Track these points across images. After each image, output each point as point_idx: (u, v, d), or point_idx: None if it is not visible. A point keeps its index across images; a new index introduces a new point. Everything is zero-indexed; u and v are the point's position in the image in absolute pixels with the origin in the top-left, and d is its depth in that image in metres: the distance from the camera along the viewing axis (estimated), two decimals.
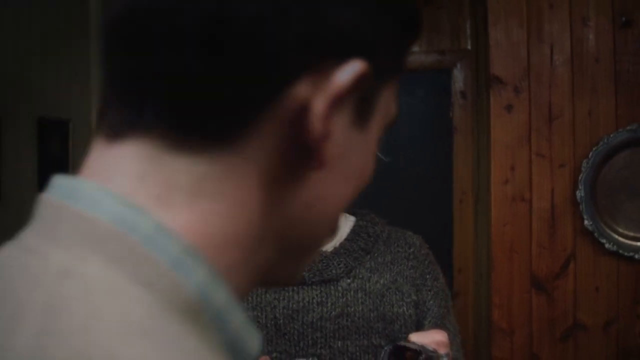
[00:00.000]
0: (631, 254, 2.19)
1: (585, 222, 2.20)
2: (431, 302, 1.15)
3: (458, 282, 2.84)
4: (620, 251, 2.19)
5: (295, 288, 1.07)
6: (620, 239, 2.21)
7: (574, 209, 2.22)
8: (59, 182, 0.37)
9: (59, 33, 3.42)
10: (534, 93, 2.22)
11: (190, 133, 0.35)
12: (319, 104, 0.35)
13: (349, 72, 0.36)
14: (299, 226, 0.40)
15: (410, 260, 1.17)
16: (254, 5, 0.34)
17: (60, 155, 3.36)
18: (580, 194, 2.20)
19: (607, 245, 2.19)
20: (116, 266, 0.33)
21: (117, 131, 0.36)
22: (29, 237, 0.36)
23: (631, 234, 2.21)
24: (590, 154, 2.19)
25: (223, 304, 0.36)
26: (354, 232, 1.13)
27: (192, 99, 0.35)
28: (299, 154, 0.37)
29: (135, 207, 0.34)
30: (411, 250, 1.19)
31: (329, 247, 1.10)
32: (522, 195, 2.24)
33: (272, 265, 0.40)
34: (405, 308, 1.12)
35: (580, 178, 2.20)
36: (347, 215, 1.16)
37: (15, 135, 3.06)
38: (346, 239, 1.12)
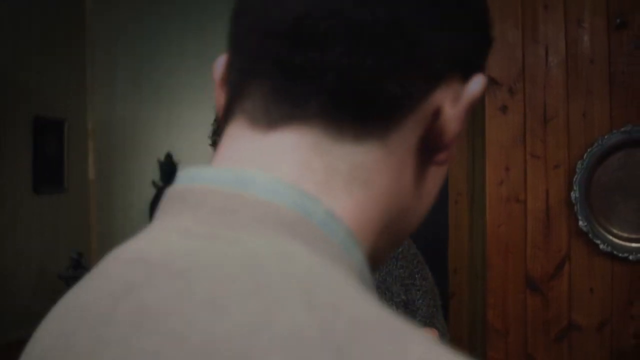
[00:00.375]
0: (625, 254, 2.20)
1: (580, 223, 2.20)
2: (420, 301, 1.15)
3: (453, 282, 2.84)
4: (615, 252, 2.20)
5: None
6: (615, 240, 2.21)
7: (568, 210, 2.23)
8: (213, 173, 0.39)
9: (56, 33, 3.42)
10: (529, 94, 2.23)
11: (351, 124, 0.39)
12: (454, 109, 0.41)
13: (479, 84, 0.42)
14: (409, 216, 0.45)
15: (399, 260, 1.17)
16: (421, 17, 0.39)
17: (55, 154, 3.35)
18: (574, 195, 2.21)
19: (601, 246, 2.20)
20: (310, 247, 0.37)
21: (271, 121, 0.39)
22: (199, 225, 0.37)
23: (625, 235, 2.22)
24: (585, 155, 2.20)
25: (371, 283, 0.40)
26: None
27: (357, 93, 0.38)
28: (426, 151, 0.42)
29: (306, 194, 0.38)
30: (400, 249, 1.19)
31: None
32: (517, 196, 2.25)
33: (374, 255, 0.43)
34: (394, 307, 1.12)
35: (574, 179, 2.21)
36: None
37: (10, 134, 3.06)
38: None
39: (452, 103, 0.41)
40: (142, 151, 3.58)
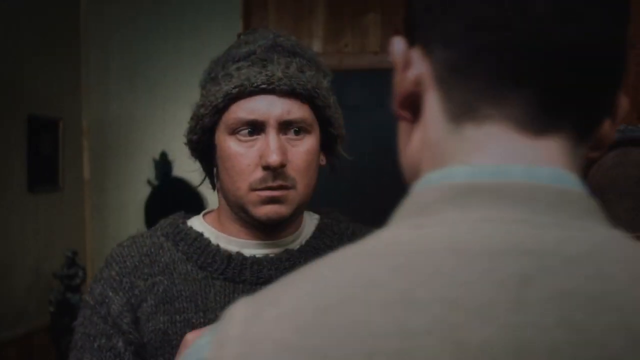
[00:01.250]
0: None
1: None
2: None
3: None
4: None
5: (261, 286, 1.03)
6: None
7: None
8: (526, 171, 0.46)
9: (51, 32, 3.41)
10: None
11: (586, 132, 0.48)
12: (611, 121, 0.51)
13: (627, 102, 0.51)
14: None
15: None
16: (626, 48, 0.48)
17: (50, 153, 3.35)
18: None
19: None
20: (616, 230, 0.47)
21: (539, 130, 0.47)
22: (540, 217, 0.44)
23: None
24: None
25: None
26: (319, 229, 1.11)
27: (595, 111, 0.48)
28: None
29: (582, 188, 0.47)
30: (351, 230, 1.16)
31: (295, 244, 1.07)
32: None
33: None
34: None
35: None
36: (312, 213, 1.14)
37: (5, 133, 3.05)
38: (312, 237, 1.09)
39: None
40: (138, 150, 3.58)
